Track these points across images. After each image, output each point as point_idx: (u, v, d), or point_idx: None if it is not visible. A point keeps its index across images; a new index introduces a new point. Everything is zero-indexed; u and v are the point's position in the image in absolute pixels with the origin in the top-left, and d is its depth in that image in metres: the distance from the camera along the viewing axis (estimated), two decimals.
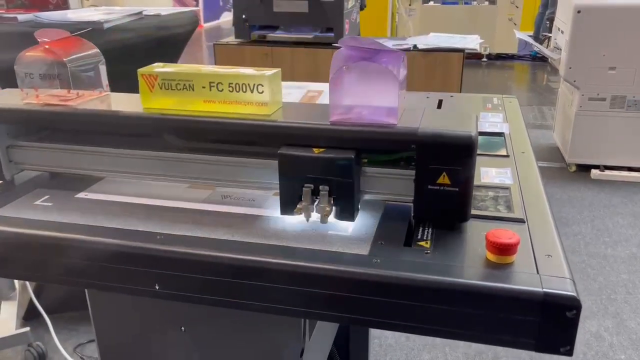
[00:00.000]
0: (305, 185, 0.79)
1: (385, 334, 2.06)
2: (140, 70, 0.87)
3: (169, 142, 0.92)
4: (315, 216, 0.81)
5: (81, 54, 0.96)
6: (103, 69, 0.99)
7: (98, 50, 0.99)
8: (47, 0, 2.01)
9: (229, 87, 0.84)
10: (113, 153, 0.93)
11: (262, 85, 0.83)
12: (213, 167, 0.89)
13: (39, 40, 0.95)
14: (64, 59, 0.93)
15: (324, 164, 0.78)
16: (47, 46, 0.93)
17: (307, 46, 2.82)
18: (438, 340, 2.01)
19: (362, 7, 3.37)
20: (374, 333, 2.05)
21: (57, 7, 2.01)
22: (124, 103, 0.93)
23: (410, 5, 6.57)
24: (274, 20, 2.82)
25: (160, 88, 0.87)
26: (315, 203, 0.80)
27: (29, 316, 2.06)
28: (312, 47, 2.81)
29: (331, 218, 0.81)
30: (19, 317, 2.05)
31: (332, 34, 2.77)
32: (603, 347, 1.98)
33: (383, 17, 6.80)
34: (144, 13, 1.98)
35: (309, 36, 2.83)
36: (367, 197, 0.84)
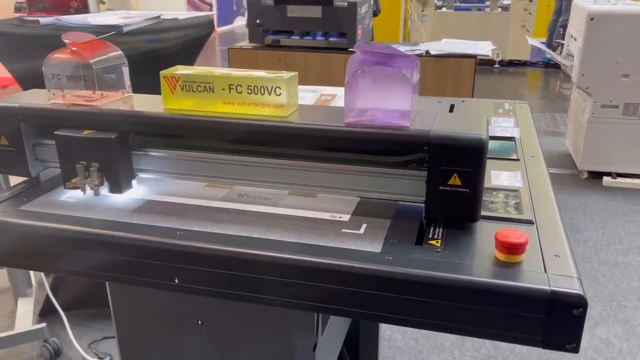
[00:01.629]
0: (80, 162, 0.91)
1: (394, 336, 2.08)
2: (163, 73, 0.91)
3: (189, 142, 0.95)
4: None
5: (106, 56, 0.99)
6: (126, 70, 1.02)
7: (121, 53, 1.02)
8: (68, 4, 2.05)
9: (248, 89, 0.87)
10: (135, 152, 0.96)
11: (280, 88, 0.86)
12: (230, 166, 0.92)
13: (65, 42, 0.99)
14: (90, 61, 0.97)
15: (91, 145, 0.90)
16: (73, 48, 0.97)
17: (320, 51, 2.85)
18: (447, 343, 2.03)
19: (376, 14, 3.40)
20: (384, 335, 2.07)
21: (78, 11, 2.05)
22: (146, 104, 0.96)
23: (422, 11, 6.59)
24: (288, 25, 2.86)
25: (182, 90, 0.90)
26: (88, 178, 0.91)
27: (45, 313, 2.10)
28: (325, 52, 2.85)
29: (352, 216, 0.83)
30: (36, 314, 2.09)
31: (345, 40, 2.80)
32: (613, 353, 1.98)
33: (395, 23, 6.84)
34: (162, 17, 2.03)
35: (322, 41, 2.87)
36: (377, 196, 0.87)
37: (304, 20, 2.82)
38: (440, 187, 0.79)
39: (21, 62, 1.82)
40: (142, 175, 0.98)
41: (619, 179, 3.39)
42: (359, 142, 0.83)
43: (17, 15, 2.09)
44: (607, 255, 2.63)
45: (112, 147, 0.90)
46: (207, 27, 2.11)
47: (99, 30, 1.73)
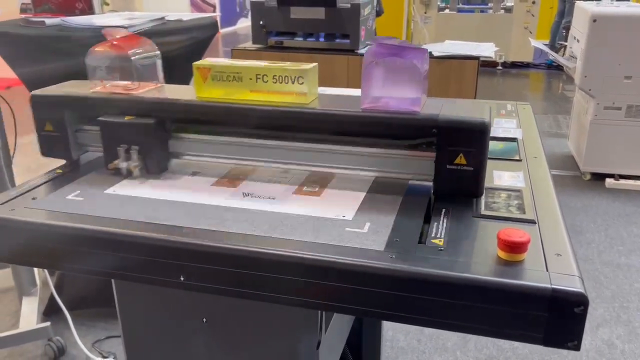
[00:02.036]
0: (121, 145, 0.99)
1: (397, 336, 2.08)
2: (196, 64, 1.00)
3: (217, 128, 1.04)
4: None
5: (142, 50, 1.08)
6: (159, 63, 1.12)
7: (156, 47, 1.11)
8: (73, 5, 2.07)
9: (273, 78, 0.97)
10: (172, 137, 1.05)
11: (302, 78, 0.96)
12: (256, 149, 1.03)
13: (106, 37, 1.08)
14: (129, 53, 1.05)
15: (132, 129, 0.98)
16: (114, 42, 1.05)
17: (323, 52, 2.86)
18: (449, 343, 2.03)
19: (379, 13, 3.41)
20: (386, 335, 2.08)
21: (83, 12, 2.06)
22: (179, 93, 1.05)
23: (425, 12, 6.60)
24: (291, 27, 2.86)
25: (212, 80, 1.00)
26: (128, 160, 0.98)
27: (50, 312, 2.11)
28: (329, 53, 2.85)
29: (356, 215, 0.84)
30: (40, 313, 2.10)
31: (348, 41, 2.81)
32: (615, 355, 1.98)
33: (398, 25, 6.84)
34: (166, 18, 2.04)
35: (325, 43, 2.87)
36: (392, 175, 0.96)
37: (307, 22, 2.83)
38: (448, 166, 0.88)
39: (27, 62, 1.84)
40: (175, 160, 1.08)
41: (622, 181, 3.39)
42: (375, 125, 0.92)
43: (23, 16, 2.10)
44: (610, 256, 2.64)
45: (151, 132, 0.99)
46: (211, 28, 2.12)
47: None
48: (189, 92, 1.03)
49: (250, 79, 0.98)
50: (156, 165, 1.02)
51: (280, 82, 0.97)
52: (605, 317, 2.19)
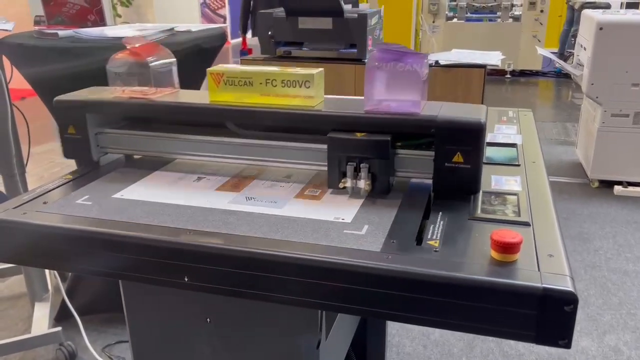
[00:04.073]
0: (349, 163, 0.97)
1: (403, 342, 2.09)
2: (209, 70, 1.06)
3: (230, 130, 1.10)
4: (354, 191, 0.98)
5: (159, 56, 1.14)
6: (175, 69, 1.17)
7: (172, 54, 1.17)
8: (86, 17, 2.12)
9: (282, 83, 1.03)
10: (181, 138, 1.11)
11: (309, 82, 1.01)
12: (265, 149, 1.08)
13: (126, 45, 1.13)
14: (147, 60, 1.11)
15: (367, 146, 0.95)
16: (134, 50, 1.11)
17: (331, 62, 2.89)
18: (455, 349, 2.04)
19: None
20: (392, 341, 2.09)
21: (95, 24, 2.12)
22: (194, 97, 1.10)
23: (434, 22, 6.63)
24: (299, 37, 2.90)
25: (225, 84, 1.05)
26: (357, 178, 0.96)
27: (61, 317, 2.14)
28: (336, 62, 2.89)
29: (355, 218, 0.87)
30: (51, 318, 2.14)
31: (356, 50, 2.84)
32: None
33: (407, 34, 6.88)
34: (176, 29, 2.08)
35: (332, 52, 2.91)
36: (401, 175, 0.99)
37: (315, 32, 2.86)
38: (446, 164, 0.92)
39: (40, 73, 1.89)
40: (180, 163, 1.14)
41: (630, 188, 3.38)
42: (377, 126, 0.96)
43: (37, 28, 2.16)
44: (618, 263, 2.63)
45: (388, 149, 0.96)
46: (219, 38, 2.16)
47: (116, 42, 1.79)
48: (203, 97, 1.09)
49: (261, 83, 1.03)
50: (386, 183, 0.98)
51: (289, 86, 1.02)
52: (612, 323, 2.19)
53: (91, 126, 1.13)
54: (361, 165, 0.96)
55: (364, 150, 0.95)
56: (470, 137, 0.91)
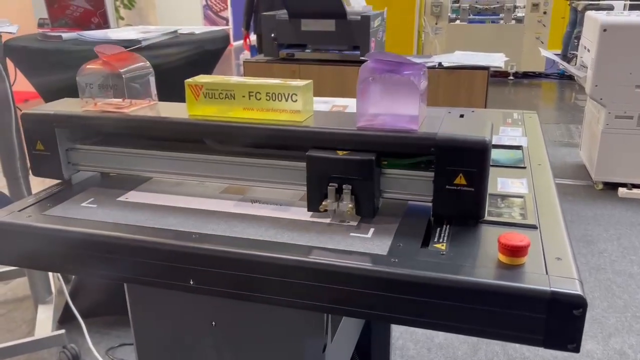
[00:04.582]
0: (330, 184, 0.87)
1: (407, 345, 2.09)
2: (187, 81, 0.97)
3: (211, 146, 1.00)
4: (337, 213, 0.89)
5: (134, 67, 1.06)
6: (152, 80, 1.09)
7: (149, 64, 1.08)
8: (90, 20, 2.12)
9: (267, 96, 0.93)
10: (159, 155, 1.02)
11: (296, 95, 0.92)
12: (249, 168, 0.98)
13: (98, 54, 1.05)
14: (120, 71, 1.03)
15: (348, 165, 0.86)
16: (105, 59, 1.03)
17: (333, 64, 2.89)
18: (459, 352, 2.03)
19: None
20: (396, 344, 2.08)
21: (99, 27, 2.12)
22: (171, 111, 1.02)
23: (436, 24, 6.63)
24: (302, 39, 2.90)
25: (205, 97, 0.96)
26: (339, 201, 0.87)
27: (64, 320, 2.15)
28: (339, 64, 2.88)
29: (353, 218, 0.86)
30: (55, 321, 2.14)
31: (359, 52, 2.84)
32: None
33: (409, 36, 6.88)
34: (179, 32, 2.08)
35: (335, 54, 2.91)
36: (389, 196, 0.91)
37: (318, 34, 2.86)
38: (447, 187, 0.84)
39: (44, 76, 1.89)
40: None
41: (635, 190, 3.37)
42: (371, 144, 0.87)
43: (40, 30, 2.16)
44: (622, 266, 2.62)
45: (372, 169, 0.87)
46: (222, 40, 2.16)
47: (120, 44, 1.79)
48: (181, 110, 1.00)
49: (244, 96, 0.94)
50: (370, 206, 0.88)
51: (274, 100, 0.93)
52: (617, 326, 2.18)
53: (61, 142, 1.05)
54: (343, 186, 0.87)
55: (345, 170, 0.86)
56: (474, 157, 0.82)
